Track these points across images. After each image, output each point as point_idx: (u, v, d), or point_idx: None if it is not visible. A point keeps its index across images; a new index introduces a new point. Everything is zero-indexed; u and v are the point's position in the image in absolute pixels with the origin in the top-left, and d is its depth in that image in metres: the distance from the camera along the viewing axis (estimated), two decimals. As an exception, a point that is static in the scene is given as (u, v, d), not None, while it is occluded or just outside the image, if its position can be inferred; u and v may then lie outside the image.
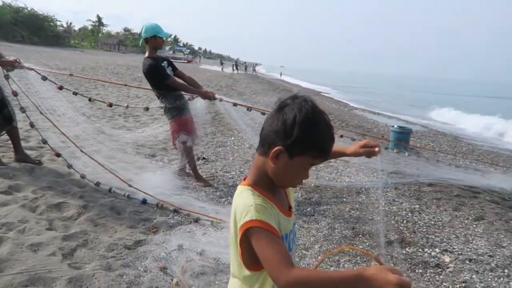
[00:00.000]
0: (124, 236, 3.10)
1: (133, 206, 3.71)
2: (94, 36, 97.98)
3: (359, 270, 0.92)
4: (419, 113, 20.30)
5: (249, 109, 4.61)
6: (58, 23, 65.58)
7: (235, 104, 4.64)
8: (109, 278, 2.48)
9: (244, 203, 1.09)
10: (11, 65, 4.00)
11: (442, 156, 7.69)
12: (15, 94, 4.06)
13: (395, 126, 7.99)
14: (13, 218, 3.07)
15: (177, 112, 4.36)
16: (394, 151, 6.91)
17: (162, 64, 4.30)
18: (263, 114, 4.59)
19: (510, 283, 2.89)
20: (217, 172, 5.15)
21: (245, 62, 59.21)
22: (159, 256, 2.83)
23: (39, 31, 51.03)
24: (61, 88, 4.31)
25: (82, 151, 4.17)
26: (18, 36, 44.90)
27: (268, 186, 1.15)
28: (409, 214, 4.12)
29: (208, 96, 4.35)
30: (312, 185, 4.89)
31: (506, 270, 3.06)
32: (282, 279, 0.96)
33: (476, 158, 8.20)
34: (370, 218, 3.96)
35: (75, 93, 4.63)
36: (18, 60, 4.08)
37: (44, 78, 4.15)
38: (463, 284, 2.83)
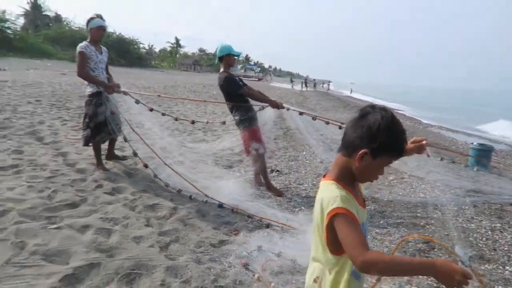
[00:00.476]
0: (209, 235, 3.44)
1: (215, 210, 4.06)
2: (172, 57, 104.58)
3: (430, 260, 1.11)
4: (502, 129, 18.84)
5: (314, 118, 4.84)
6: (141, 45, 71.12)
7: (301, 113, 4.90)
8: (199, 269, 2.81)
9: (331, 194, 1.30)
10: (112, 89, 4.67)
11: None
12: (112, 113, 4.73)
13: (475, 143, 7.61)
14: (118, 214, 3.57)
15: (248, 122, 4.74)
16: (474, 169, 6.60)
17: (235, 78, 4.81)
18: (327, 123, 4.79)
19: None
20: (290, 184, 5.37)
21: (314, 80, 59.40)
22: (241, 254, 3.11)
23: (126, 53, 55.71)
24: (151, 110, 4.92)
25: (165, 163, 4.62)
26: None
27: (349, 181, 1.37)
28: (489, 232, 3.99)
29: (277, 105, 4.71)
30: (385, 199, 4.91)
31: None
32: (359, 259, 1.16)
33: None
34: (446, 233, 3.91)
35: (163, 114, 5.20)
36: (118, 85, 4.77)
37: (137, 102, 4.77)
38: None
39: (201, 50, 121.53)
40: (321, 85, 74.24)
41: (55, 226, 3.11)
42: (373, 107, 1.33)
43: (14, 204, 3.35)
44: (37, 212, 3.32)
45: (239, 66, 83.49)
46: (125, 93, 4.81)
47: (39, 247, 2.75)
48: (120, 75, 29.97)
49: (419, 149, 1.65)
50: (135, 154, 4.78)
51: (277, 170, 6.01)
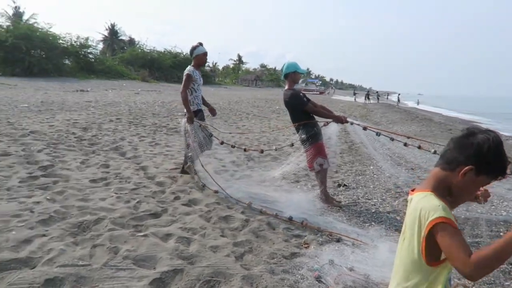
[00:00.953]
0: (281, 247, 3.54)
1: (285, 224, 4.15)
2: (235, 73, 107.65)
3: None
4: None
5: (378, 134, 4.79)
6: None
7: (365, 128, 4.86)
8: (273, 280, 2.91)
9: (431, 204, 1.33)
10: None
11: None
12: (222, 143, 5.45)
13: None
14: (195, 225, 3.81)
15: (314, 138, 4.81)
16: None
17: (300, 94, 4.92)
18: (392, 140, 4.80)
19: None
20: (359, 199, 5.32)
21: (377, 92, 57.75)
22: (313, 267, 3.16)
23: (193, 73, 58.51)
24: (222, 143, 5.71)
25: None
26: (175, 77, 52.26)
27: (445, 195, 1.39)
28: None
29: (341, 120, 4.75)
30: (463, 217, 4.68)
31: None
32: (467, 267, 1.19)
33: None
34: None
35: (232, 147, 5.97)
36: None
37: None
38: None
39: (262, 65, 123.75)
40: (385, 97, 71.89)
41: (142, 234, 3.41)
42: (479, 128, 1.39)
43: (107, 213, 3.74)
44: (125, 221, 3.66)
45: (300, 80, 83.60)
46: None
47: (129, 252, 3.04)
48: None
49: (484, 196, 1.65)
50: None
51: (344, 185, 5.98)
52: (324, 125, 4.91)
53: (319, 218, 4.30)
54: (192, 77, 5.42)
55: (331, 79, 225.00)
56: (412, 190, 1.48)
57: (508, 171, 1.32)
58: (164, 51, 57.63)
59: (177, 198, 4.53)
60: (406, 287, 1.44)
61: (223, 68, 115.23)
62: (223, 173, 5.86)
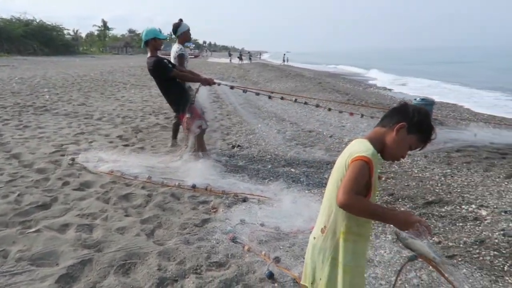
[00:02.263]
0: (190, 216, 3.49)
1: (189, 192, 4.08)
2: (101, 41, 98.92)
3: (395, 213, 1.49)
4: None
5: (244, 91, 5.19)
6: (66, 31, 66.42)
7: (232, 87, 5.20)
8: (190, 250, 2.87)
9: (366, 146, 1.48)
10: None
11: (465, 123, 7.90)
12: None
13: (417, 99, 8.18)
14: (94, 209, 3.50)
15: (187, 103, 4.79)
16: None
17: (165, 61, 4.79)
18: (257, 94, 5.35)
19: (545, 228, 3.19)
20: (254, 157, 5.49)
21: (248, 52, 59.38)
22: (226, 230, 3.21)
23: (49, 41, 51.81)
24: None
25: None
26: (30, 49, 45.67)
27: (378, 150, 1.53)
28: (442, 178, 4.42)
29: (208, 82, 4.85)
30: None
31: (539, 218, 3.35)
32: (345, 197, 1.37)
33: (499, 122, 8.39)
34: (406, 184, 4.28)
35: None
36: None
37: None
38: (502, 232, 3.14)
39: (131, 31, 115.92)
40: (258, 56, 74.46)
41: (33, 230, 2.99)
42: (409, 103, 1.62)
43: (-19, 214, 3.17)
44: (8, 219, 3.16)
45: (173, 44, 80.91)
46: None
47: (22, 253, 2.65)
48: (47, 65, 28.06)
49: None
50: None
51: (238, 145, 6.10)
52: (196, 92, 4.90)
53: (222, 181, 4.33)
54: (185, 56, 5.32)
55: (204, 42, 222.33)
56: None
57: (433, 136, 1.52)
58: (12, 19, 49.66)
59: (66, 183, 4.07)
60: (330, 224, 1.54)
61: (87, 35, 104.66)
62: (112, 149, 5.43)
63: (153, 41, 4.73)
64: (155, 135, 6.58)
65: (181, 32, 5.36)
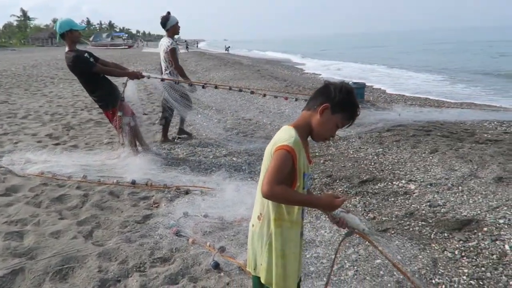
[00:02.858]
0: (131, 214, 3.39)
1: (129, 189, 3.95)
2: (22, 32, 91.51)
3: (317, 197, 1.66)
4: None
5: (176, 82, 5.14)
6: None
7: (162, 80, 5.09)
8: (132, 248, 2.79)
9: (289, 134, 1.48)
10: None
11: (394, 105, 8.41)
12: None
13: (350, 82, 8.54)
14: (24, 214, 3.27)
15: (112, 99, 4.54)
16: None
17: (85, 55, 4.43)
18: (190, 85, 5.40)
19: (464, 196, 3.50)
20: (195, 149, 5.43)
21: (185, 41, 58.40)
22: (169, 224, 3.15)
23: (-41, 33, 46.91)
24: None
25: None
26: None
27: (305, 135, 1.56)
28: (375, 157, 4.68)
29: (136, 76, 4.64)
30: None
31: (459, 187, 3.68)
32: (267, 188, 1.40)
33: (424, 102, 9.03)
34: (342, 165, 4.47)
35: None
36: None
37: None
38: (428, 203, 3.41)
39: (55, 20, 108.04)
40: (195, 45, 73.36)
41: (-48, 243, 2.73)
42: (335, 82, 1.60)
43: None
44: None
45: (104, 35, 76.87)
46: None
47: None
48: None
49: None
50: None
51: (179, 137, 5.99)
52: (124, 86, 4.65)
53: (163, 175, 4.23)
54: (177, 49, 5.37)
55: (138, 31, 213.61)
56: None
57: (358, 112, 1.55)
58: None
59: (-12, 190, 3.75)
60: (265, 211, 1.57)
61: (5, 26, 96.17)
62: (41, 149, 5.08)
63: (70, 34, 4.29)
64: (88, 132, 6.25)
65: (170, 26, 5.36)
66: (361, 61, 26.99)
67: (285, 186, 1.43)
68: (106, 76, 4.59)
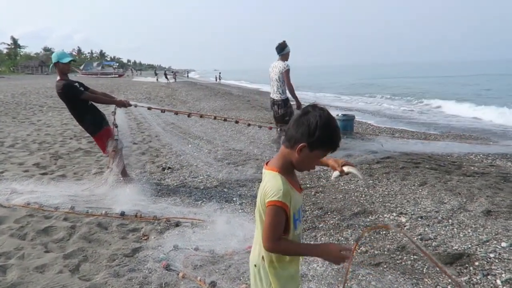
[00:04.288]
0: (120, 246, 3.31)
1: (118, 221, 3.88)
2: (12, 60, 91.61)
3: (316, 245, 1.57)
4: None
5: (163, 111, 5.43)
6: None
7: (149, 108, 5.34)
8: (120, 283, 2.71)
9: (277, 185, 1.47)
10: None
11: (382, 136, 8.53)
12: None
13: (339, 114, 8.70)
14: (8, 247, 3.17)
15: (99, 125, 4.75)
16: (344, 137, 7.60)
17: (75, 84, 4.65)
18: (176, 114, 5.73)
19: (454, 229, 3.52)
20: (186, 179, 5.39)
21: (173, 71, 59.75)
22: (158, 257, 3.08)
23: None
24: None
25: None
26: None
27: (290, 171, 1.55)
28: (366, 189, 4.70)
29: (123, 104, 4.85)
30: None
31: (450, 220, 3.70)
32: (267, 245, 1.49)
33: (411, 135, 9.19)
34: (333, 197, 4.48)
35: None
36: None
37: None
38: (419, 236, 3.41)
39: (46, 49, 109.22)
40: (185, 75, 74.55)
41: None
42: (313, 107, 1.48)
43: None
44: None
45: (95, 64, 77.43)
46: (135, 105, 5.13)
47: None
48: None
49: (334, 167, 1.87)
50: None
51: (169, 167, 5.96)
52: (113, 114, 4.86)
53: (153, 206, 4.18)
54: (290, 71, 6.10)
55: (129, 60, 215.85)
56: (267, 163, 1.59)
57: (339, 144, 1.50)
58: None
59: (-28, 221, 3.64)
60: (266, 255, 1.58)
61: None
62: (28, 179, 4.99)
63: (57, 65, 4.55)
64: (77, 161, 6.18)
65: (286, 52, 6.07)
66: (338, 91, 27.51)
67: (285, 241, 1.50)
68: (94, 104, 4.76)
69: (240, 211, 4.16)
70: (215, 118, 6.36)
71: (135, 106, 5.04)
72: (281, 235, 1.49)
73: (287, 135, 1.53)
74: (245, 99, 19.31)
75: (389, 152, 6.46)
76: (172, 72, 57.19)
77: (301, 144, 1.45)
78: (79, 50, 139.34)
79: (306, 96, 22.95)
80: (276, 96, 6.30)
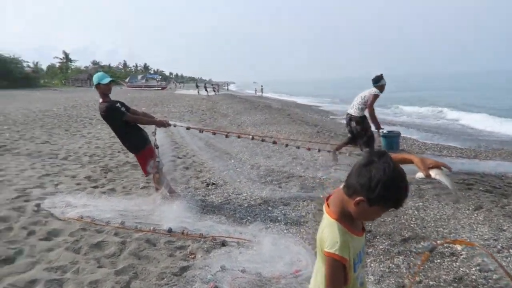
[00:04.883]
0: (168, 264, 3.35)
1: (165, 237, 3.94)
2: (63, 73, 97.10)
3: None
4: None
5: (201, 131, 5.52)
6: (25, 63, 64.67)
7: (188, 128, 5.41)
8: (170, 303, 2.74)
9: (333, 236, 1.44)
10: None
11: (429, 153, 8.21)
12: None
13: (385, 131, 8.45)
14: (64, 261, 3.29)
15: (141, 145, 4.87)
16: None
17: (117, 105, 4.79)
18: (214, 134, 5.76)
19: (517, 260, 3.29)
20: (230, 196, 5.41)
21: (212, 85, 61.11)
22: (206, 278, 3.09)
23: (8, 74, 50.35)
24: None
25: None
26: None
27: (349, 217, 1.48)
28: (416, 212, 4.51)
29: (163, 124, 4.95)
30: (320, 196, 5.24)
31: (511, 250, 3.46)
32: None
33: (460, 152, 8.78)
34: (382, 219, 4.33)
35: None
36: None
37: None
38: (478, 267, 3.21)
39: (94, 63, 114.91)
40: (225, 87, 75.91)
41: (-4, 290, 2.77)
42: (380, 155, 1.37)
43: None
44: (-32, 279, 2.91)
45: (139, 77, 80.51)
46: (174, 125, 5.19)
47: (-15, 317, 2.44)
48: (6, 98, 27.08)
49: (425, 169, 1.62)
50: None
51: (213, 183, 6.02)
52: (153, 134, 4.98)
53: (199, 224, 4.22)
54: (379, 97, 6.51)
55: (171, 73, 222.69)
56: (327, 198, 1.55)
57: (403, 203, 1.38)
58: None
59: (31, 233, 3.82)
60: None
61: (48, 67, 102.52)
62: (80, 192, 5.21)
63: (99, 87, 4.72)
64: (125, 175, 6.38)
65: (380, 84, 6.54)
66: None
67: None
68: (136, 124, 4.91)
69: (285, 231, 4.11)
70: (252, 138, 6.46)
71: (174, 126, 5.16)
72: (341, 284, 1.46)
73: (347, 181, 1.44)
74: (285, 113, 19.30)
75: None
76: (212, 85, 58.36)
77: (359, 198, 1.36)
78: (125, 64, 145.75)
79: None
80: (353, 111, 6.65)
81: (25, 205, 4.61)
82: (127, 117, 4.73)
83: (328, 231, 1.46)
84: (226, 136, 5.83)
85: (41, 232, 3.85)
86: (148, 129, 5.09)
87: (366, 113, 6.57)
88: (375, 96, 6.42)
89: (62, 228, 4.00)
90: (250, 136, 6.53)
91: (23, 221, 4.11)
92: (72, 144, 9.23)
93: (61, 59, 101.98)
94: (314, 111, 23.26)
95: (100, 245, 3.67)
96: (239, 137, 6.56)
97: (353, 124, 6.72)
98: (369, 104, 6.42)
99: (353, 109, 6.68)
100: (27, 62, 67.18)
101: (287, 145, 6.93)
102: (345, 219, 1.47)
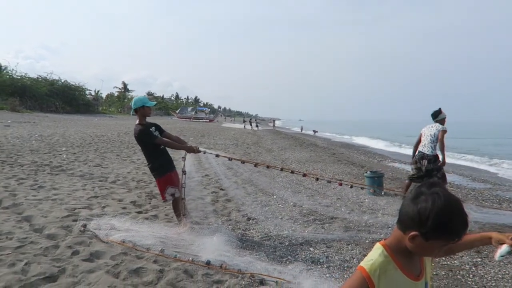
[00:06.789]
0: (204, 299, 3.25)
1: (203, 269, 3.86)
2: (120, 102, 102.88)
3: None
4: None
5: (230, 159, 5.48)
6: (88, 91, 69.24)
7: (217, 155, 5.41)
8: None
9: (371, 255, 1.36)
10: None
11: (487, 204, 7.62)
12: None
13: (368, 172, 8.81)
14: (103, 284, 3.29)
15: (162, 170, 4.91)
16: (371, 190, 7.86)
17: (150, 129, 4.91)
18: (243, 163, 5.73)
19: None
20: (270, 232, 5.27)
21: (256, 120, 62.79)
22: (242, 318, 2.95)
23: (71, 100, 53.88)
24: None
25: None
26: (52, 106, 47.67)
27: (401, 251, 1.34)
28: (473, 268, 4.13)
29: (193, 150, 4.99)
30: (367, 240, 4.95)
31: None
32: None
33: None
34: (434, 273, 3.99)
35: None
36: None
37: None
38: None
39: (149, 93, 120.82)
40: (270, 123, 77.31)
41: (37, 306, 2.79)
42: (429, 186, 1.29)
43: (-15, 285, 2.99)
44: (13, 292, 2.97)
45: (189, 109, 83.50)
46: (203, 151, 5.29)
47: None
48: (67, 123, 28.92)
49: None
50: None
51: (254, 218, 5.91)
52: (183, 159, 5.06)
53: (238, 259, 4.11)
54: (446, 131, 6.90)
55: (219, 107, 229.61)
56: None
57: (462, 234, 1.25)
58: (38, 78, 52.39)
59: (75, 252, 3.89)
60: None
61: (107, 96, 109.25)
62: (125, 216, 5.30)
63: (142, 109, 4.86)
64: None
65: (441, 118, 7.00)
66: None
67: None
68: (167, 148, 5.00)
69: (327, 275, 3.90)
70: (282, 169, 6.21)
71: (204, 152, 5.23)
72: None
73: (399, 216, 1.35)
74: (331, 152, 19.02)
75: (494, 222, 5.71)
76: (256, 120, 60.07)
77: (413, 233, 1.26)
78: (177, 96, 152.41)
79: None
80: (427, 150, 6.88)
81: (73, 224, 4.76)
82: (158, 140, 4.84)
83: (371, 252, 1.38)
84: (255, 166, 5.77)
85: (84, 253, 3.91)
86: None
87: (438, 151, 6.87)
88: (444, 132, 6.77)
89: (104, 251, 4.04)
90: (279, 168, 6.37)
91: (69, 240, 4.22)
92: (122, 168, 9.55)
93: (120, 88, 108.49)
94: (360, 151, 22.72)
95: (139, 272, 3.65)
96: (268, 167, 6.41)
97: (424, 162, 6.90)
98: (441, 139, 6.75)
99: (425, 148, 6.91)
100: (90, 90, 71.89)
101: (317, 179, 6.66)
102: (398, 254, 1.35)
